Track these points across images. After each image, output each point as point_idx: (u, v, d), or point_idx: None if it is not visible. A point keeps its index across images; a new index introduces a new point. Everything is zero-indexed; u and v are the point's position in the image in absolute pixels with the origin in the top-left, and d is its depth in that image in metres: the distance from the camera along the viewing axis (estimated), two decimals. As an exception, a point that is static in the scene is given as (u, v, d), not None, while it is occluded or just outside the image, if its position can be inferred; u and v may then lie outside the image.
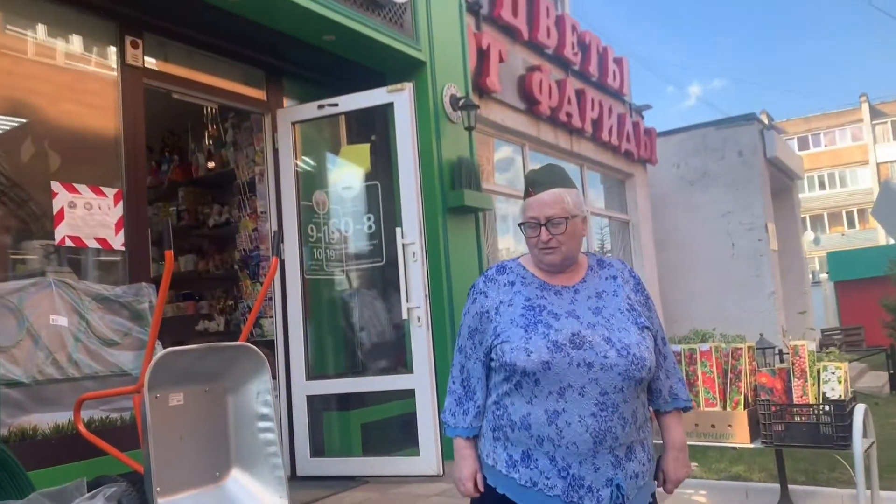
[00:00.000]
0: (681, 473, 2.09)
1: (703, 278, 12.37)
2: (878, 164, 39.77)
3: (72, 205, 3.73)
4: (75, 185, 3.75)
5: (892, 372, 10.19)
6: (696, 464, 4.30)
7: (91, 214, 3.81)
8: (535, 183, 2.05)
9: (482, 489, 2.03)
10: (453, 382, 2.13)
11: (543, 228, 2.00)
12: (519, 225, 2.09)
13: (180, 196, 6.29)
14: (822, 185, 40.69)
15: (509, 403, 1.94)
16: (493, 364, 2.00)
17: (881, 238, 36.71)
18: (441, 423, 2.16)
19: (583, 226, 2.06)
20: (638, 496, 1.94)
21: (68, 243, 3.69)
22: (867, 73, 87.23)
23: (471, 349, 2.08)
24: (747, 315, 11.70)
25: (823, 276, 24.53)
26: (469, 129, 5.60)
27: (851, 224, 40.18)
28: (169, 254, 2.98)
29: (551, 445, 1.88)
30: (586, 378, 1.87)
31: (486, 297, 2.06)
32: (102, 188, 3.86)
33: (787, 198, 15.01)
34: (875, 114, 40.27)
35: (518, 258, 2.17)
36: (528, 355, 1.88)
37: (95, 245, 3.81)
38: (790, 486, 4.75)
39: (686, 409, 2.15)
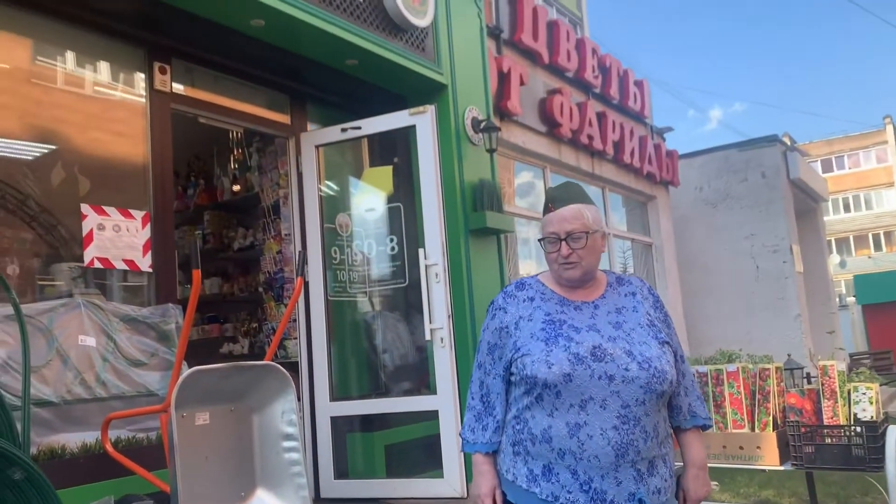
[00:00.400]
0: (701, 492, 2.07)
1: (728, 300, 12.26)
2: (903, 186, 39.30)
3: (101, 227, 3.79)
4: (104, 208, 3.82)
5: (924, 395, 9.99)
6: (716, 483, 4.23)
7: (119, 236, 3.87)
8: (554, 199, 2.08)
9: None
10: (472, 398, 2.13)
11: (563, 243, 2.02)
12: (539, 241, 2.11)
13: (205, 220, 6.37)
14: (846, 208, 40.26)
15: (530, 417, 1.94)
16: (512, 378, 2.01)
17: (909, 260, 36.17)
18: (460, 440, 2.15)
19: (602, 241, 2.08)
20: None
21: (97, 265, 3.75)
22: (891, 94, 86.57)
23: (490, 365, 2.09)
24: (773, 338, 11.56)
25: (851, 299, 24.17)
26: (490, 151, 5.62)
27: (878, 247, 39.64)
28: (197, 272, 3.02)
29: (573, 458, 1.87)
30: (608, 390, 1.87)
31: (506, 312, 2.08)
32: (131, 211, 3.93)
33: (812, 220, 14.87)
34: (900, 135, 39.88)
35: (537, 275, 2.18)
36: (550, 367, 1.88)
37: (123, 267, 3.86)
38: (821, 511, 4.65)
39: (705, 428, 2.14)
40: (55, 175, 3.77)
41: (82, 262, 3.70)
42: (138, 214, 3.96)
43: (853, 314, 22.00)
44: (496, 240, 5.73)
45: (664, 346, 2.01)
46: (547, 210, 2.10)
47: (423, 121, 4.64)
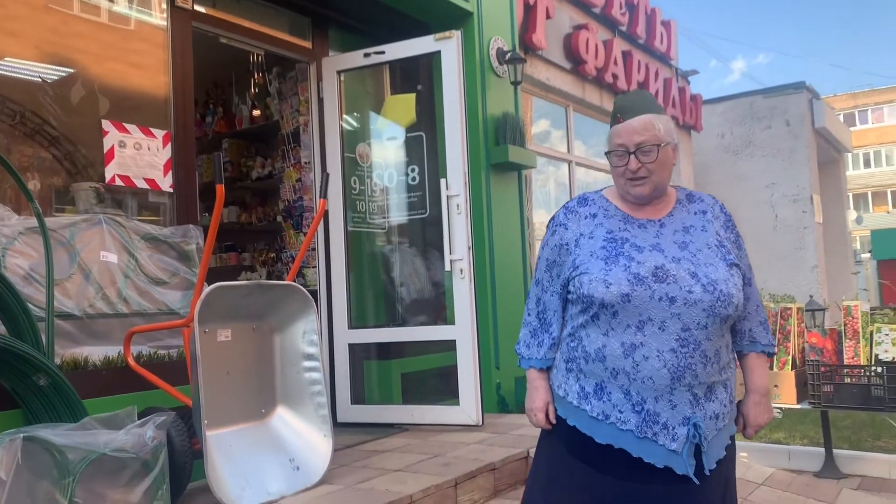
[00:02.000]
0: (762, 418, 2.02)
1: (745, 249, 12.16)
2: (926, 143, 38.59)
3: (122, 144, 3.75)
4: (125, 125, 3.77)
5: (937, 349, 9.96)
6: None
7: (140, 154, 3.83)
8: (623, 109, 1.95)
9: (554, 420, 2.00)
10: (528, 314, 2.09)
11: (632, 157, 1.90)
12: (606, 154, 1.99)
13: (224, 148, 6.32)
14: (867, 163, 39.64)
15: (584, 335, 1.90)
16: (569, 296, 1.96)
17: (927, 218, 35.74)
18: (518, 355, 2.12)
19: (674, 155, 1.97)
20: (717, 438, 1.88)
21: (118, 182, 3.72)
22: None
23: (548, 282, 2.03)
24: (789, 288, 11.47)
25: (866, 255, 23.96)
26: (515, 83, 5.52)
27: (896, 203, 39.16)
28: (220, 187, 2.99)
29: (626, 379, 1.83)
30: (668, 312, 1.81)
31: (566, 229, 2.00)
32: (152, 129, 3.88)
33: (834, 171, 14.65)
34: (926, 91, 38.99)
35: (601, 190, 2.09)
36: (607, 287, 1.82)
37: (144, 185, 3.84)
38: (834, 451, 4.68)
39: (769, 354, 2.07)
40: (75, 93, 3.71)
41: (104, 180, 3.68)
42: (159, 133, 3.91)
43: (867, 269, 21.84)
44: (517, 175, 5.67)
45: (732, 268, 1.91)
46: (615, 121, 1.97)
47: (448, 47, 4.53)
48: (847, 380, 4.02)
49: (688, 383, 1.82)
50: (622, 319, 1.83)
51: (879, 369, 3.95)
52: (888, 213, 37.60)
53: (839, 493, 3.79)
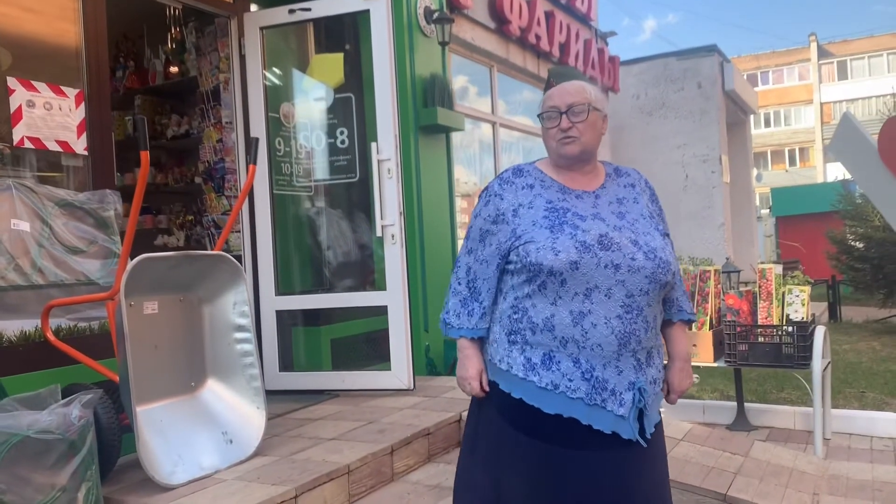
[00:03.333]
0: (685, 384, 2.10)
1: (657, 209, 12.57)
2: (821, 104, 40.59)
3: (30, 104, 3.50)
4: (33, 83, 3.51)
5: (831, 301, 10.64)
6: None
7: (51, 115, 3.58)
8: (557, 75, 2.02)
9: (487, 388, 2.02)
10: (458, 283, 2.09)
11: (564, 116, 1.96)
12: (538, 116, 2.03)
13: (136, 105, 5.99)
14: (767, 123, 41.43)
15: (530, 306, 1.91)
16: (510, 266, 1.97)
17: (820, 176, 37.82)
18: (443, 324, 2.12)
19: (603, 123, 2.02)
20: (654, 402, 1.95)
21: (27, 145, 3.48)
22: (818, 11, 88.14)
23: (480, 251, 2.04)
24: (696, 245, 11.99)
25: (765, 211, 25.21)
26: (443, 43, 5.44)
27: (793, 162, 41.22)
28: (145, 153, 2.84)
29: (575, 347, 1.86)
30: (613, 279, 1.85)
31: (502, 199, 2.01)
32: (63, 88, 3.63)
33: (741, 132, 15.24)
34: (822, 54, 40.88)
35: (534, 162, 2.11)
36: (556, 255, 1.84)
37: (56, 148, 3.60)
38: (745, 405, 4.95)
39: (689, 322, 2.15)
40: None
41: (10, 141, 3.43)
42: (71, 92, 3.67)
43: (766, 225, 23.01)
44: (445, 137, 5.63)
45: (665, 238, 2.02)
46: (548, 86, 2.03)
47: (377, 5, 4.40)
48: (761, 339, 4.24)
49: (632, 349, 1.87)
50: (570, 288, 1.85)
51: (790, 329, 4.17)
52: (786, 171, 39.57)
53: (751, 445, 4.03)
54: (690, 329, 4.41)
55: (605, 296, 1.85)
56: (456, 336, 2.08)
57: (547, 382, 1.88)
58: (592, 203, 1.99)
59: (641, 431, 1.89)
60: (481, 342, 2.08)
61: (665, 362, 2.10)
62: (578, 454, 1.87)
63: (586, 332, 1.85)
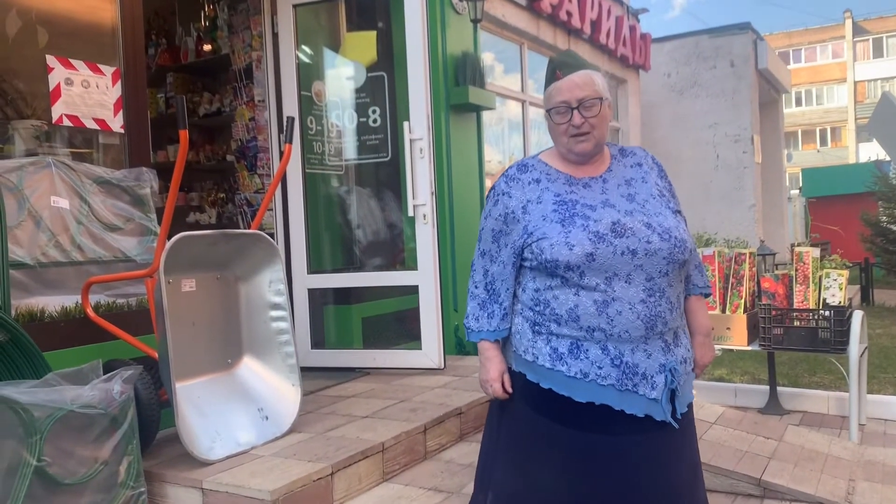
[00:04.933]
0: (707, 357, 2.10)
1: (686, 188, 12.41)
2: (855, 83, 39.74)
3: (68, 81, 3.53)
4: (71, 61, 3.53)
5: (863, 285, 10.48)
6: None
7: (89, 93, 3.61)
8: (563, 65, 1.95)
9: (510, 390, 2.01)
10: (476, 287, 2.08)
11: (576, 112, 1.91)
12: (546, 112, 1.99)
13: (168, 83, 6.03)
14: (798, 102, 40.69)
15: (552, 298, 1.89)
16: (526, 263, 1.95)
17: (852, 156, 37.13)
18: (466, 329, 2.12)
19: (610, 111, 1.99)
20: (686, 381, 1.94)
21: (66, 122, 3.51)
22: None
23: (495, 252, 2.02)
24: (726, 226, 11.86)
25: (794, 192, 24.85)
26: (475, 21, 5.39)
27: (824, 142, 40.48)
28: (184, 133, 2.85)
29: (602, 335, 1.85)
30: (631, 265, 1.84)
31: (510, 197, 1.99)
32: (100, 65, 3.65)
33: (773, 111, 14.98)
34: (857, 31, 39.94)
35: (537, 155, 2.08)
36: (570, 249, 1.82)
37: (94, 126, 3.63)
38: (777, 388, 4.91)
39: (706, 296, 2.14)
40: (10, 23, 3.45)
41: (48, 119, 3.46)
42: (108, 70, 3.69)
43: (795, 206, 22.69)
44: (476, 116, 5.59)
45: (677, 215, 1.99)
46: (553, 78, 1.96)
47: (410, -18, 4.35)
48: (796, 323, 4.19)
49: (659, 331, 1.87)
50: (590, 278, 1.84)
51: (826, 313, 4.12)
52: (817, 151, 38.88)
53: (785, 429, 3.99)
54: (724, 304, 4.38)
55: (626, 282, 1.84)
56: (476, 339, 2.07)
57: (576, 371, 1.87)
58: (601, 189, 1.97)
59: (673, 412, 1.89)
60: (503, 343, 2.06)
61: None
62: (612, 439, 1.87)
63: (612, 320, 1.84)
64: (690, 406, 1.99)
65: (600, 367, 1.85)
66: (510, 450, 2.01)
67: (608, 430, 1.87)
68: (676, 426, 1.88)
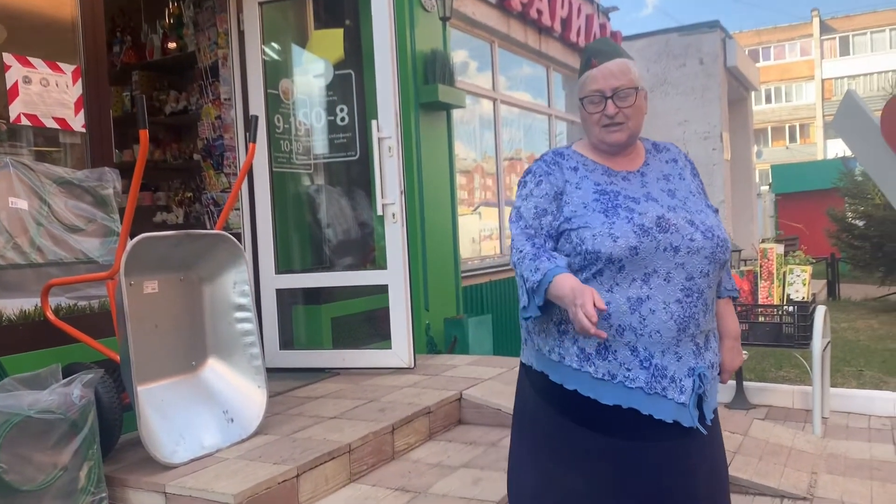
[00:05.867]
0: (736, 362, 2.03)
1: (657, 186, 12.52)
2: (823, 81, 40.36)
3: (27, 80, 3.46)
4: (30, 59, 3.47)
5: (830, 279, 10.66)
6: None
7: (48, 92, 3.54)
8: (598, 53, 1.88)
9: (603, 306, 1.66)
10: (521, 249, 1.84)
11: (610, 101, 1.84)
12: (580, 100, 1.91)
13: (134, 81, 5.94)
14: (768, 99, 41.24)
15: None
16: (560, 249, 1.84)
17: (820, 153, 37.73)
18: (532, 293, 1.82)
19: (646, 102, 1.91)
20: (712, 386, 1.87)
21: (24, 122, 3.44)
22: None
23: (538, 228, 1.87)
24: (697, 223, 11.94)
25: (764, 188, 25.20)
26: (444, 19, 5.38)
27: (793, 139, 41.08)
28: (144, 133, 2.81)
29: (633, 335, 1.77)
30: (672, 263, 1.76)
31: (554, 176, 1.88)
32: (60, 64, 3.59)
33: (742, 109, 15.14)
34: (825, 29, 40.58)
35: (570, 146, 2.00)
36: (615, 241, 1.74)
37: (54, 125, 3.56)
38: (744, 383, 4.97)
39: (735, 298, 2.08)
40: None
41: (7, 118, 3.39)
42: (68, 69, 3.62)
43: (765, 202, 23.01)
44: (446, 115, 5.59)
45: (716, 213, 1.92)
46: (588, 66, 1.88)
47: (378, -20, 4.33)
48: (761, 319, 4.24)
49: (691, 333, 1.79)
50: (628, 273, 1.76)
51: (791, 308, 4.17)
52: (787, 147, 39.45)
53: (751, 423, 4.04)
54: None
55: (665, 280, 1.76)
56: (548, 282, 1.74)
57: (603, 373, 1.79)
58: (641, 183, 1.88)
59: (702, 418, 1.82)
60: (529, 342, 1.97)
61: None
62: (639, 444, 1.80)
63: (644, 319, 1.76)
64: (716, 412, 1.92)
65: (629, 369, 1.77)
66: (535, 451, 1.94)
67: (634, 436, 1.79)
68: (705, 432, 1.81)
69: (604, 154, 1.93)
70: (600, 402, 1.79)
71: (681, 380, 1.78)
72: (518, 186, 1.99)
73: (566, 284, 1.70)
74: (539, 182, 1.90)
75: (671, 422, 1.78)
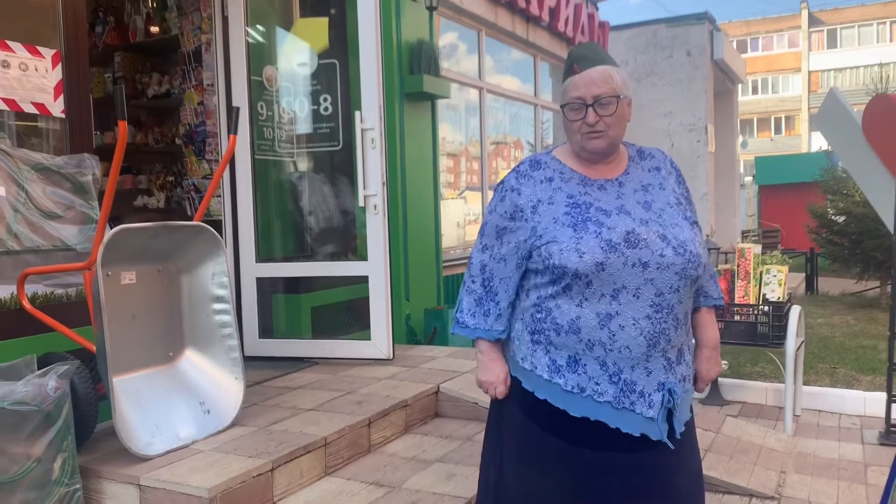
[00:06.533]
0: (713, 372, 2.03)
1: (641, 177, 12.57)
2: (809, 73, 40.53)
3: (5, 64, 3.41)
4: (8, 43, 3.42)
5: (808, 274, 10.77)
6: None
7: (27, 76, 3.50)
8: (581, 59, 1.86)
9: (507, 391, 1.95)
10: (472, 282, 1.99)
11: (590, 109, 1.82)
12: (561, 107, 1.90)
13: (116, 62, 5.88)
14: (754, 90, 41.37)
15: (554, 307, 1.82)
16: (532, 267, 1.87)
17: (804, 145, 37.97)
18: (457, 324, 2.04)
19: (629, 109, 1.89)
20: (684, 400, 1.88)
21: (2, 107, 3.40)
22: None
23: (497, 248, 1.93)
24: (679, 215, 12.01)
25: (748, 179, 25.36)
26: (431, 8, 5.35)
27: (778, 130, 41.29)
28: (123, 124, 2.78)
29: (602, 350, 1.78)
30: (641, 278, 1.76)
31: (519, 194, 1.90)
32: (39, 48, 3.54)
33: (727, 101, 15.21)
34: (813, 21, 40.69)
35: (551, 150, 2.00)
36: (581, 256, 1.74)
37: (32, 111, 3.52)
38: (719, 380, 5.03)
39: (718, 308, 2.08)
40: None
41: (-16, 102, 3.35)
42: (48, 53, 3.58)
43: (749, 193, 23.17)
44: (430, 105, 5.57)
45: (694, 226, 1.90)
46: (571, 72, 1.87)
47: (363, -31, 4.30)
48: (737, 318, 4.28)
49: (662, 349, 1.80)
50: (596, 289, 1.76)
51: (766, 308, 4.22)
52: (771, 139, 39.65)
53: (723, 421, 4.10)
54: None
55: (634, 296, 1.76)
56: (472, 336, 1.99)
57: (573, 385, 1.81)
58: (616, 193, 1.87)
59: (671, 431, 1.83)
60: (501, 344, 2.00)
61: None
62: (607, 455, 1.82)
63: (613, 335, 1.77)
64: (691, 424, 1.93)
65: (597, 383, 1.79)
66: (508, 452, 1.96)
67: (603, 447, 1.82)
68: (672, 446, 1.82)
69: (584, 161, 1.92)
70: (569, 414, 1.82)
71: (650, 394, 1.79)
72: (493, 192, 2.02)
73: (484, 356, 2.00)
74: (503, 198, 1.94)
75: (638, 435, 1.80)
